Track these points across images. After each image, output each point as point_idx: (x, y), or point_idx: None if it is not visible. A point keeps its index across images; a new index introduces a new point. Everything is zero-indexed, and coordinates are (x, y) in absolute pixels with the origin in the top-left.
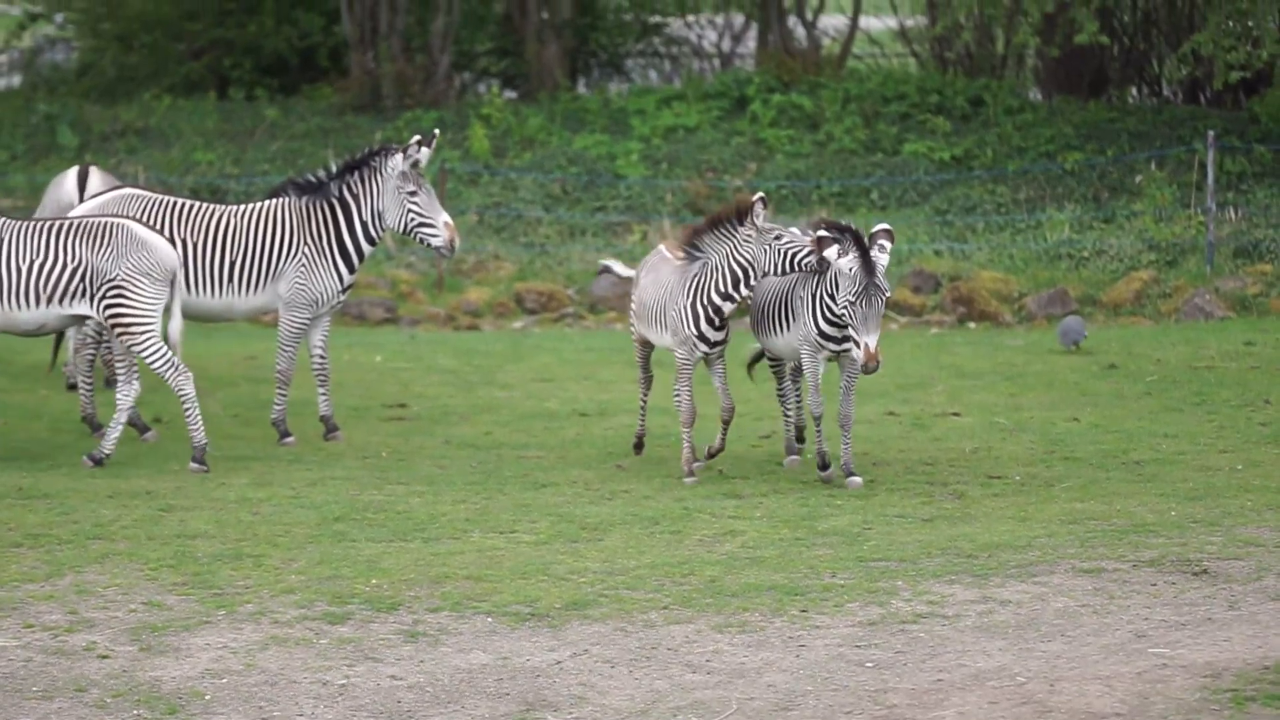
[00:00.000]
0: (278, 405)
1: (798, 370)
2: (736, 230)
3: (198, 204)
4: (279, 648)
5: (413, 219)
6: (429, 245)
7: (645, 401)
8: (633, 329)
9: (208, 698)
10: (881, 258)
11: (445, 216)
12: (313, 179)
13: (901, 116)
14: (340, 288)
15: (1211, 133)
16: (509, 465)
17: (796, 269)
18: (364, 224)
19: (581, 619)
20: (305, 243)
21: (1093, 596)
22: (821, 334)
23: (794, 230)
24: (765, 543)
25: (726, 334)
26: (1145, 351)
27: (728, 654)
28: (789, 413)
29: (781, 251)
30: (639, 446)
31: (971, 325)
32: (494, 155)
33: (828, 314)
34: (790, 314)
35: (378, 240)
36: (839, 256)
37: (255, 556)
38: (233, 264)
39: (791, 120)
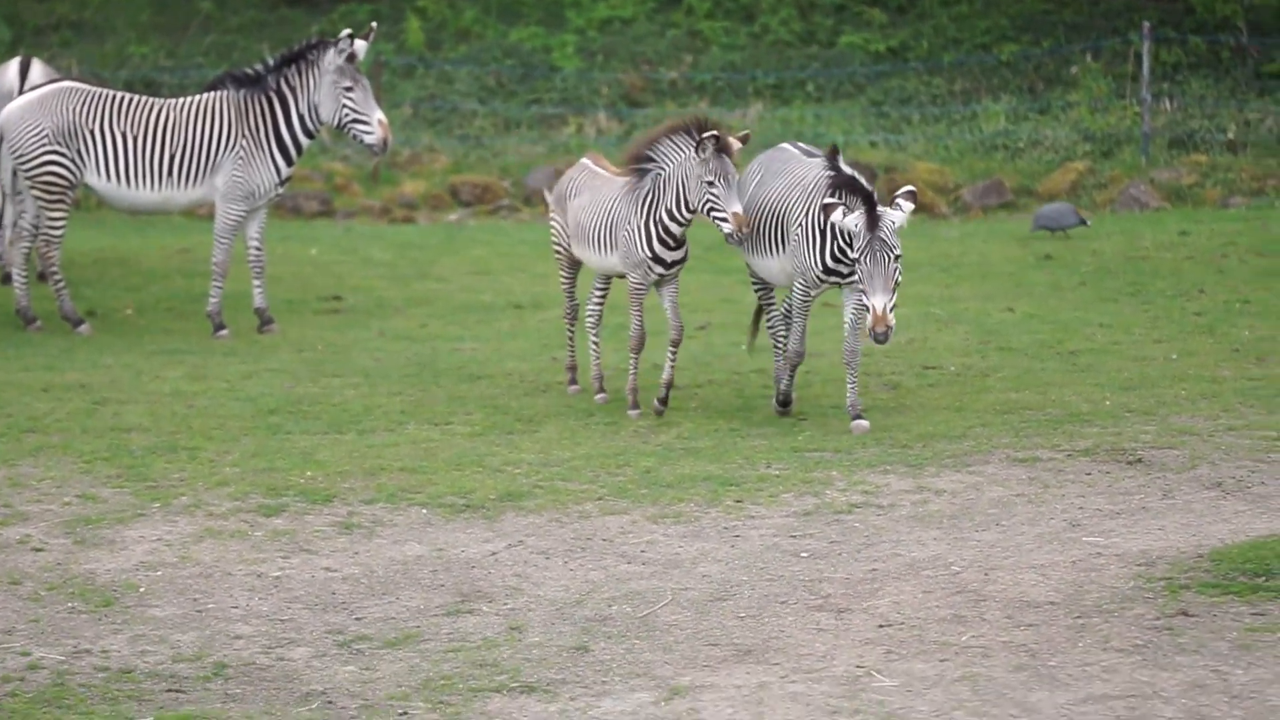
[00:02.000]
0: (213, 298)
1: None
2: (688, 147)
3: (136, 97)
4: (214, 540)
5: (347, 115)
6: (362, 142)
7: (574, 331)
8: (558, 252)
9: (142, 590)
10: (894, 215)
11: (380, 114)
12: (250, 72)
13: (837, 8)
14: (278, 180)
15: (1147, 24)
16: (444, 358)
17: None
18: (301, 117)
19: (516, 510)
20: (243, 135)
21: (1027, 486)
22: (827, 270)
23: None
24: (700, 433)
25: (684, 253)
26: (1080, 242)
27: (663, 544)
28: (780, 343)
29: (708, 203)
30: (574, 382)
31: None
32: (429, 48)
33: (836, 254)
34: (783, 236)
35: (315, 133)
36: (844, 216)
37: (190, 449)
38: (171, 157)
39: (727, 12)
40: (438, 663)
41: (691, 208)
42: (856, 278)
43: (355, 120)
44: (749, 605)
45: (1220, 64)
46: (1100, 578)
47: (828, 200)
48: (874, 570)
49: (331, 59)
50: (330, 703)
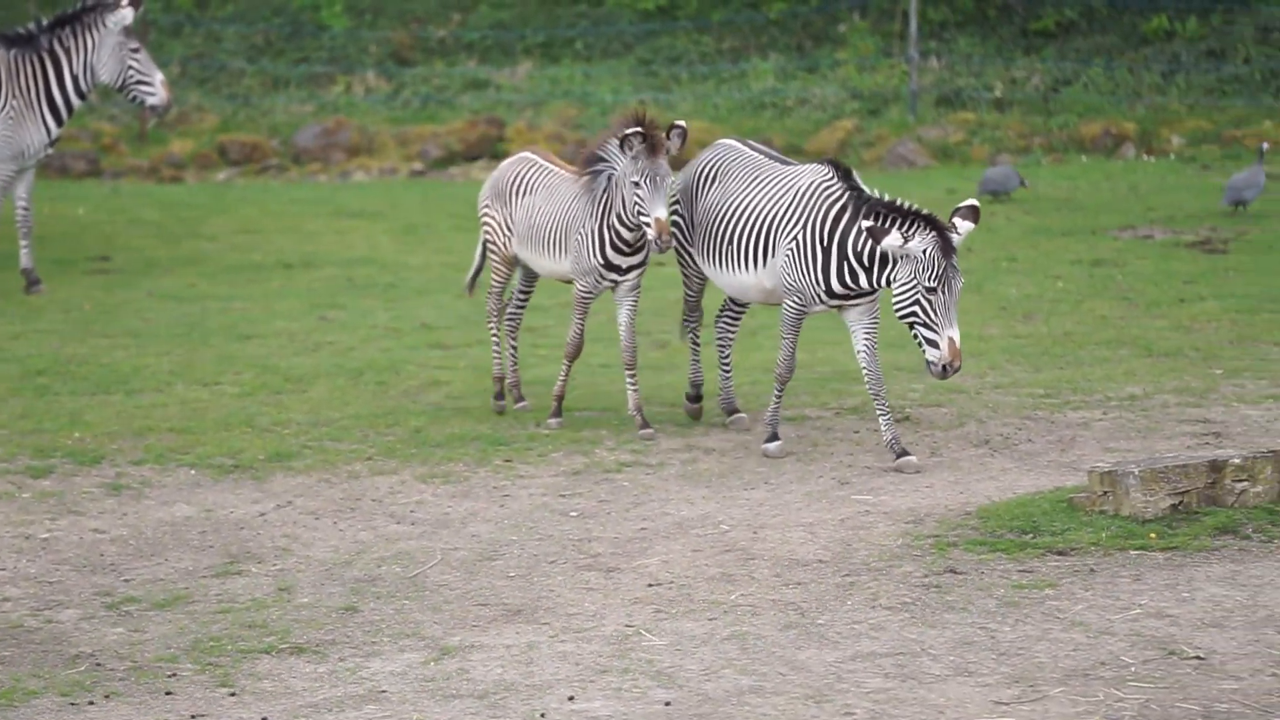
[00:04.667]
0: None
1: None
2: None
3: None
4: None
5: (132, 76)
6: (144, 103)
7: (500, 336)
8: (493, 250)
9: None
10: (958, 237)
11: (161, 75)
12: (22, 32)
13: None
14: (47, 140)
15: None
16: (213, 317)
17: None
18: (74, 78)
19: (285, 470)
20: (14, 95)
21: (795, 444)
22: (832, 293)
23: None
24: (470, 393)
25: (642, 259)
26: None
27: (432, 504)
28: (727, 362)
29: (635, 206)
30: (500, 395)
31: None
32: (197, 6)
33: (848, 277)
34: (764, 249)
35: (87, 94)
36: (904, 241)
37: None
38: None
39: None
40: (206, 624)
41: (628, 209)
42: (922, 314)
43: (140, 82)
44: (518, 565)
45: (987, 22)
46: (869, 536)
47: (870, 224)
48: (643, 529)
49: (119, 19)
50: (99, 665)
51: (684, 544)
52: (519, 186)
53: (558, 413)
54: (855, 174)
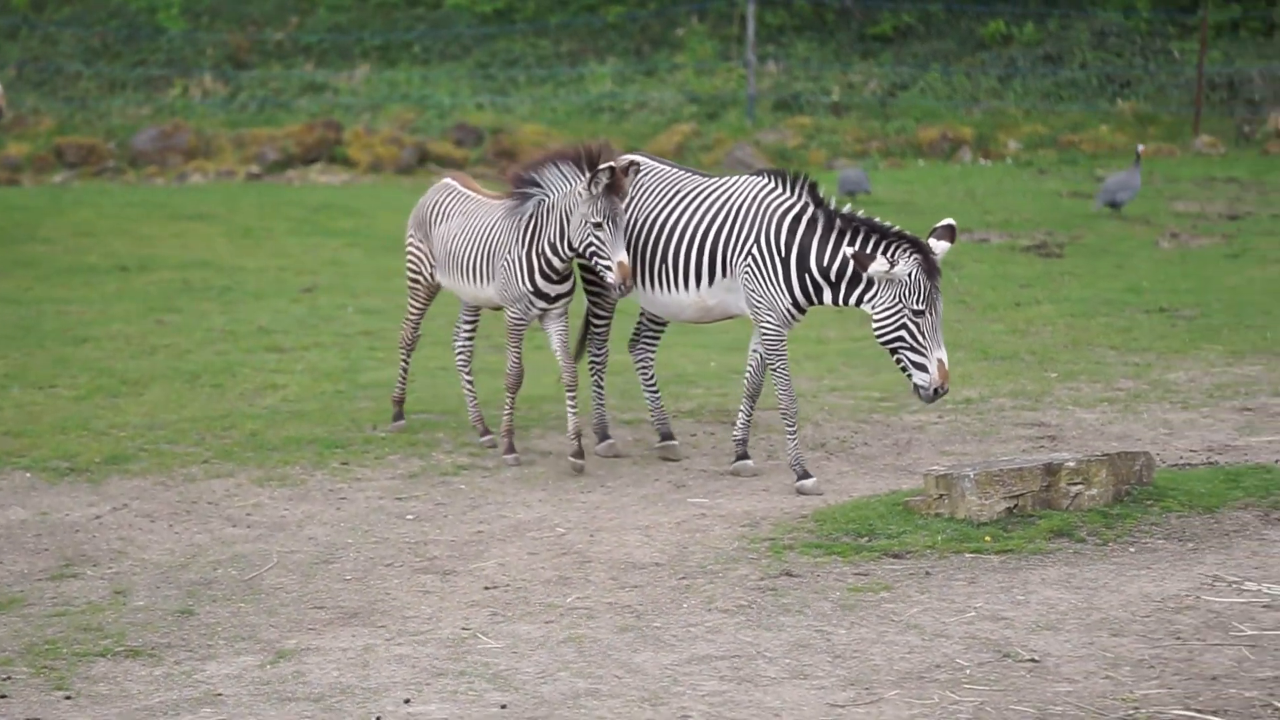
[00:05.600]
0: None
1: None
2: (575, 179)
3: None
4: None
5: None
6: None
7: (409, 362)
8: (415, 282)
9: None
10: (937, 257)
11: None
12: None
13: None
14: None
15: None
16: (49, 320)
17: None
18: None
19: (121, 473)
20: None
21: (632, 447)
22: (797, 305)
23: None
24: (307, 396)
25: (570, 287)
26: None
27: (269, 507)
28: (652, 384)
29: (590, 247)
30: (400, 416)
31: None
32: (33, 9)
33: (814, 277)
34: (712, 266)
35: None
36: (890, 267)
37: None
38: None
39: None
40: (41, 627)
41: (573, 246)
42: (907, 338)
43: None
44: (355, 568)
45: (825, 26)
46: (705, 539)
47: (854, 251)
48: (480, 532)
49: None
50: None
51: (520, 547)
52: (438, 214)
53: (510, 449)
54: (807, 182)
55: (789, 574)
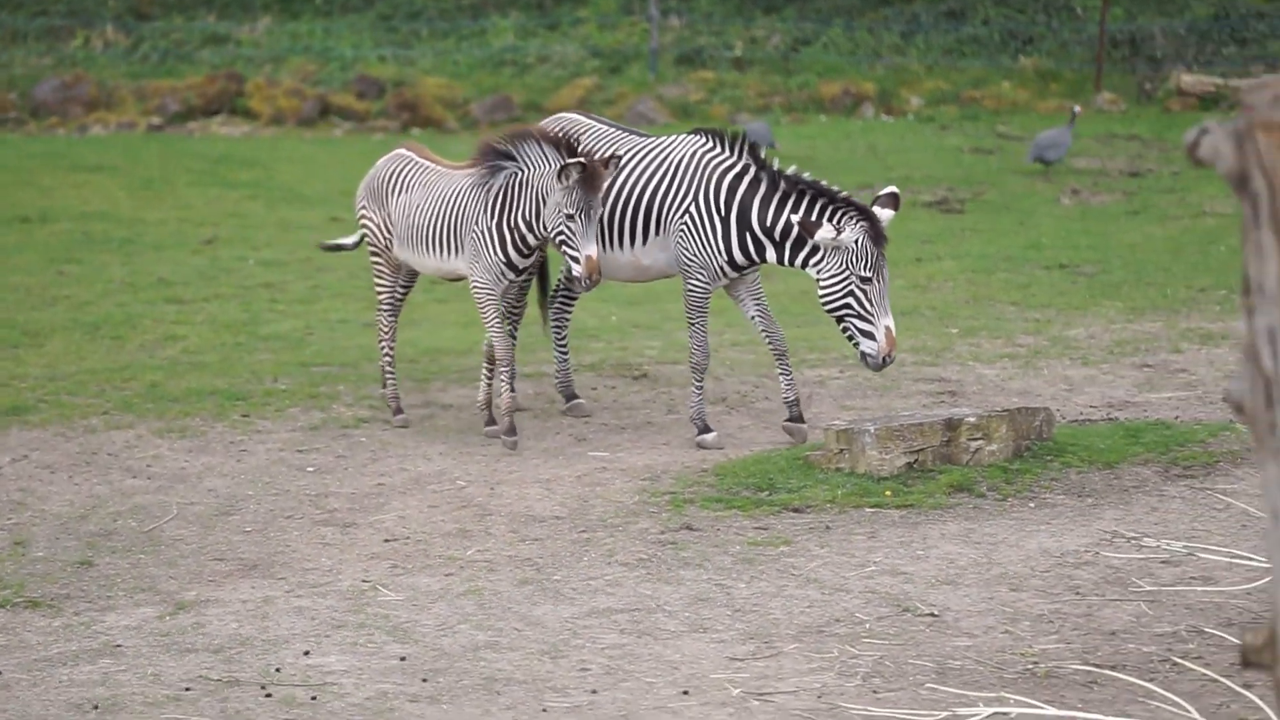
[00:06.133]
0: None
1: None
2: (554, 162)
3: None
4: None
5: None
6: None
7: (393, 354)
8: (376, 256)
9: None
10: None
11: None
12: None
13: None
14: None
15: None
16: None
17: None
18: None
19: (21, 424)
20: None
21: (533, 401)
22: (734, 263)
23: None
24: (207, 348)
25: (535, 258)
26: None
27: (168, 459)
28: (563, 345)
29: (560, 236)
30: (399, 410)
31: (416, 131)
32: None
33: (756, 235)
34: (646, 225)
35: None
36: (837, 234)
37: None
38: None
39: None
40: None
41: (545, 230)
42: (855, 305)
43: None
44: (255, 520)
45: None
46: (605, 492)
47: (801, 218)
48: (380, 485)
49: None
50: None
51: (421, 500)
52: (394, 185)
53: (492, 420)
54: (747, 141)
55: (689, 528)
